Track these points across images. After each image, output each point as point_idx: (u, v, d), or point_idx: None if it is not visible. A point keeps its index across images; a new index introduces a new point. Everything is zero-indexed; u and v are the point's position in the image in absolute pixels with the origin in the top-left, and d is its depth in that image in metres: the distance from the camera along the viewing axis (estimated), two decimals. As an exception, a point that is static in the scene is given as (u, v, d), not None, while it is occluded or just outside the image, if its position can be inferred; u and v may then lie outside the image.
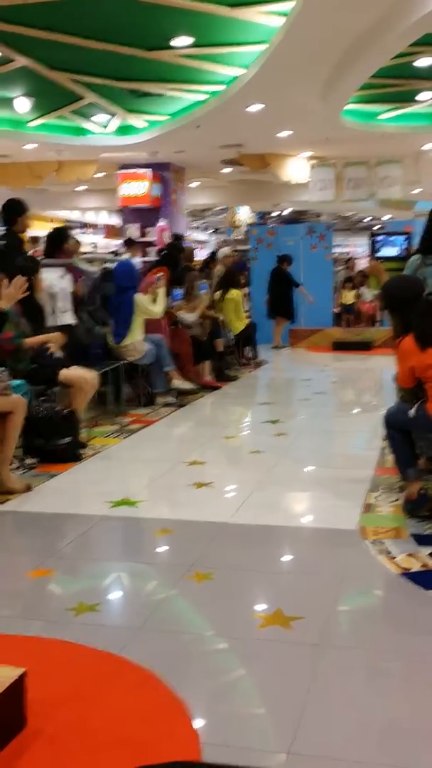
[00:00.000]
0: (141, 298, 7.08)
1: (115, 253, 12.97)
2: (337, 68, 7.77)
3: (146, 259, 12.22)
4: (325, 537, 3.89)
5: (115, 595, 3.26)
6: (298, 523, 4.21)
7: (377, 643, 2.77)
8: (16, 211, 6.10)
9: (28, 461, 5.08)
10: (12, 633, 2.84)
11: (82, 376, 5.47)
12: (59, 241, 7.02)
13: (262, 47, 7.60)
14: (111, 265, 8.08)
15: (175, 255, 8.85)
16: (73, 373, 5.42)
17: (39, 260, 6.24)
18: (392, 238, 12.19)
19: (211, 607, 3.08)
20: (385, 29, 6.46)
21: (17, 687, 2.22)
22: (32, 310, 5.40)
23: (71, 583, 3.36)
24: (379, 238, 11.55)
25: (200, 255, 20.25)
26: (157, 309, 7.19)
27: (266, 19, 6.87)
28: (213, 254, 12.58)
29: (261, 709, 2.40)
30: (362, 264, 16.51)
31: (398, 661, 2.64)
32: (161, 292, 7.34)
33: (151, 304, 7.14)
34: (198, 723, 2.27)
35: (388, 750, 2.16)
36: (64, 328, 6.30)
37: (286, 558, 3.72)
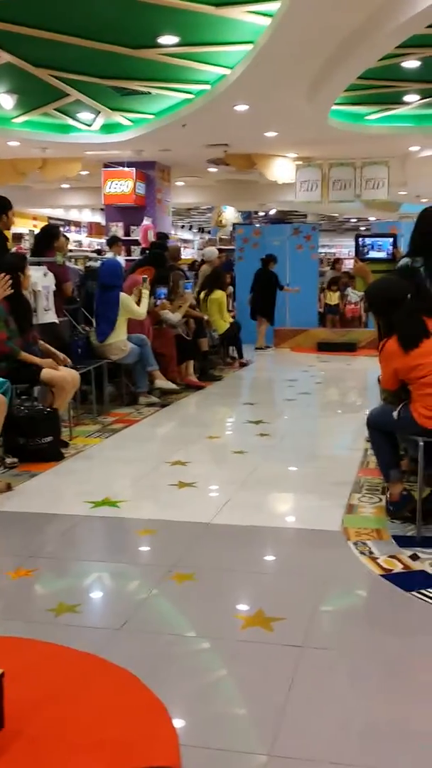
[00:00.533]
0: (126, 298, 7.05)
1: (99, 252, 12.93)
2: (324, 69, 7.77)
3: (130, 257, 12.19)
4: (308, 538, 3.89)
5: (96, 596, 3.24)
6: (280, 523, 4.21)
7: (358, 645, 2.77)
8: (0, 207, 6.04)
9: (9, 460, 5.03)
10: (-9, 634, 2.81)
11: (63, 375, 5.44)
12: (49, 240, 6.97)
13: (249, 47, 7.59)
14: (94, 264, 8.05)
15: (160, 254, 8.83)
16: (54, 372, 5.38)
17: (25, 256, 6.20)
18: (380, 240, 12.21)
19: (193, 607, 3.06)
20: (373, 30, 6.47)
21: (-5, 688, 2.20)
22: (20, 307, 5.35)
23: (52, 584, 3.33)
24: (367, 240, 11.54)
25: (185, 254, 20.23)
26: (141, 310, 7.17)
27: (252, 18, 6.86)
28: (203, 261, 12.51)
29: (242, 710, 2.39)
30: (349, 265, 16.54)
31: (379, 663, 2.64)
32: (145, 293, 7.32)
33: (134, 305, 7.11)
34: (178, 724, 2.26)
35: (369, 751, 2.16)
36: (46, 327, 6.27)
37: (269, 559, 3.71)
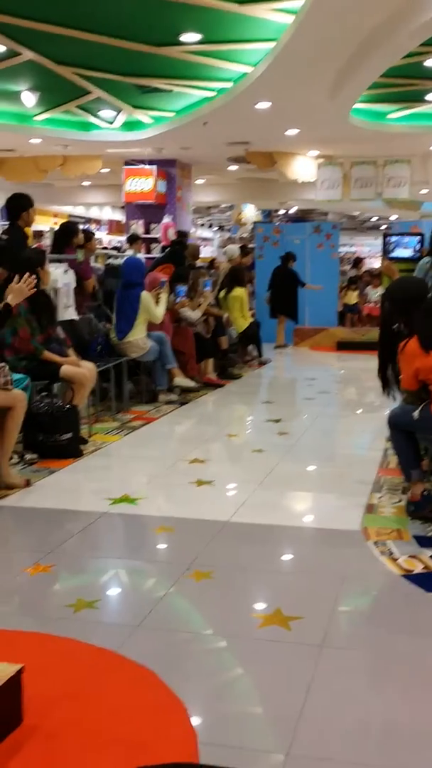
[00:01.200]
0: (147, 297, 7.03)
1: (118, 249, 12.95)
2: (346, 67, 7.73)
3: (150, 255, 12.20)
4: (327, 537, 3.87)
5: (114, 592, 3.24)
6: (299, 522, 4.19)
7: (378, 645, 2.75)
8: (21, 205, 6.07)
9: (28, 456, 5.06)
10: (9, 629, 2.82)
11: (83, 372, 5.45)
12: (68, 237, 7.00)
13: (271, 45, 7.57)
14: (114, 261, 8.07)
15: (179, 252, 8.83)
16: (75, 368, 5.40)
17: (44, 251, 6.21)
18: (406, 239, 12.17)
19: (210, 605, 3.06)
20: (396, 28, 6.43)
21: (14, 683, 2.20)
22: (39, 304, 5.36)
23: (70, 580, 3.34)
24: (393, 238, 11.49)
25: (205, 252, 20.21)
26: (158, 313, 7.14)
27: (275, 16, 6.83)
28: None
29: (259, 709, 2.38)
30: (374, 264, 16.45)
31: (398, 663, 2.62)
32: (163, 297, 7.31)
33: (154, 305, 7.09)
34: (196, 722, 2.25)
35: (388, 751, 2.14)
36: (66, 324, 6.29)
37: (287, 558, 3.69)
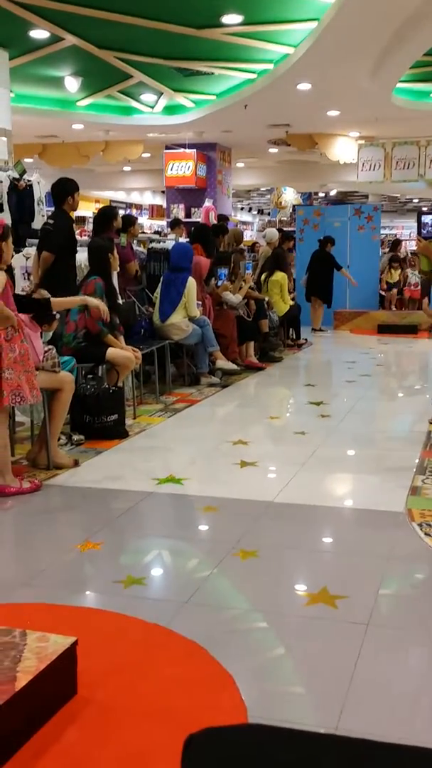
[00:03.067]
0: (192, 284, 7.05)
1: (159, 233, 13.00)
2: (388, 46, 7.65)
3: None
4: (371, 518, 3.88)
5: (162, 570, 3.31)
6: (342, 504, 4.22)
7: (423, 624, 2.76)
8: (67, 189, 6.13)
9: (76, 438, 5.15)
10: (62, 603, 2.90)
11: (128, 356, 5.52)
12: (108, 221, 7.05)
13: (313, 25, 7.51)
14: (157, 245, 8.10)
15: (205, 232, 8.57)
16: (120, 351, 5.47)
17: (112, 239, 6.31)
18: None
19: (256, 584, 3.10)
20: (440, 5, 6.34)
21: (69, 655, 2.27)
22: (108, 288, 5.59)
23: (119, 557, 3.41)
24: (428, 218, 11.37)
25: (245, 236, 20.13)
26: (195, 311, 7.15)
27: (318, -5, 6.79)
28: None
29: (307, 685, 2.42)
30: (409, 245, 16.26)
31: (445, 643, 2.64)
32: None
33: (195, 297, 7.10)
34: (244, 696, 2.29)
35: (435, 729, 2.17)
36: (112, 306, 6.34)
37: (332, 538, 3.72)
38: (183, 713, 2.21)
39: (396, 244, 16.52)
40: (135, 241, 7.92)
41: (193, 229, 9.06)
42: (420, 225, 11.13)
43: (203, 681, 2.38)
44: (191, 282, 7.04)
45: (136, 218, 8.01)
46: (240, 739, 1.32)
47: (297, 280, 12.71)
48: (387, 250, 16.29)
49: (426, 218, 11.47)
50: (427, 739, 2.12)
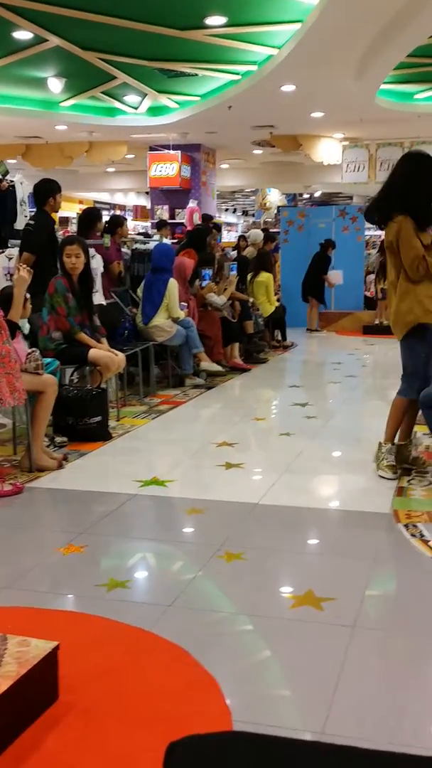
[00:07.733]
0: (174, 285, 7.02)
1: (146, 234, 12.96)
2: (372, 47, 7.66)
3: (175, 240, 12.19)
4: (357, 519, 3.86)
5: (146, 573, 3.27)
6: (328, 505, 4.20)
7: (410, 626, 2.75)
8: (48, 190, 6.09)
9: (59, 439, 5.10)
10: (44, 607, 2.86)
11: (110, 356, 5.47)
12: (92, 222, 7.02)
13: (297, 26, 7.51)
14: (141, 246, 8.07)
15: (202, 237, 8.72)
16: (101, 352, 5.43)
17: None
18: None
19: (242, 586, 3.07)
20: (422, 7, 6.35)
21: (50, 660, 2.23)
22: (80, 285, 5.47)
23: (102, 560, 3.37)
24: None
25: (229, 237, 20.11)
26: (178, 313, 7.10)
27: (301, -4, 6.78)
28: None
29: (293, 688, 2.39)
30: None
31: (430, 644, 2.62)
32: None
33: (177, 298, 7.06)
34: (229, 700, 2.27)
35: (421, 733, 2.14)
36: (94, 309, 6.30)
37: (317, 540, 3.69)
38: (167, 718, 2.18)
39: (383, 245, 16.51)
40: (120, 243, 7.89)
41: (188, 231, 9.11)
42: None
43: (187, 685, 2.35)
44: (172, 283, 7.00)
45: (125, 219, 7.98)
46: (222, 747, 1.29)
47: (283, 280, 12.72)
48: (376, 251, 16.28)
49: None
50: (414, 743, 2.10)
